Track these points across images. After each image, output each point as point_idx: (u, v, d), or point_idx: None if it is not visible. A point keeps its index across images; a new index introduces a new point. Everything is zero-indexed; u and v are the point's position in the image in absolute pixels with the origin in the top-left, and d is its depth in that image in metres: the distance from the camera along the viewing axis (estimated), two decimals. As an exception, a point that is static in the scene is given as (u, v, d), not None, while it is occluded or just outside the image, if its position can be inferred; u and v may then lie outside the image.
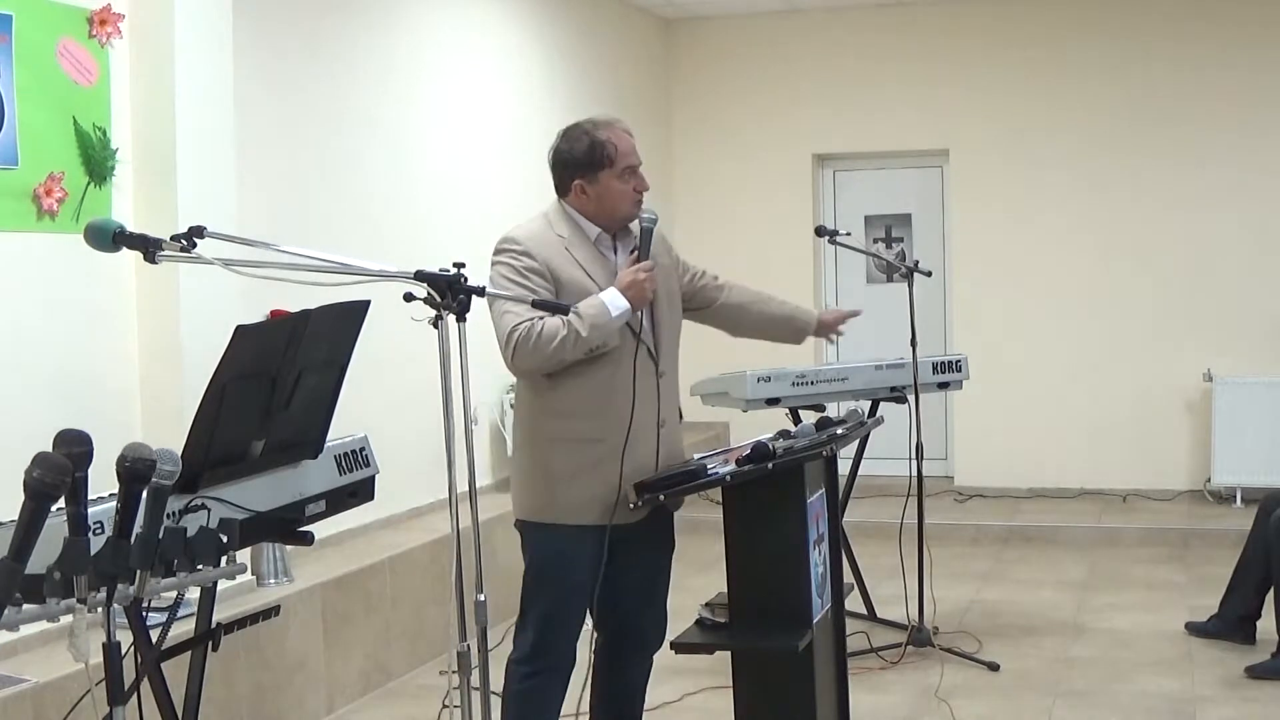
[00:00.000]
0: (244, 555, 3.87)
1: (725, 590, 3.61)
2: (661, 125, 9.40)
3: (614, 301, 3.52)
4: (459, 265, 2.95)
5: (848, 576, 5.08)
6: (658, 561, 3.87)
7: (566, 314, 3.40)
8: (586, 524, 3.59)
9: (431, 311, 2.89)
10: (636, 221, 3.69)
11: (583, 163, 3.65)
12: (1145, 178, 8.63)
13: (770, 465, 3.45)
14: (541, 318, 3.45)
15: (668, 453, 3.73)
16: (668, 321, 3.77)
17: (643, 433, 3.63)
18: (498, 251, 3.62)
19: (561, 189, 3.72)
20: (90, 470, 2.54)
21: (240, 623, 3.27)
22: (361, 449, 3.43)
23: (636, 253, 3.64)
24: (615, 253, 3.73)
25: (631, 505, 3.55)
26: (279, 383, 3.02)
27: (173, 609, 2.97)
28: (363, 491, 3.42)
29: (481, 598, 2.96)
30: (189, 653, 3.11)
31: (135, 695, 2.89)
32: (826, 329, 4.28)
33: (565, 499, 3.60)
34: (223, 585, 3.37)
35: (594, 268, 3.64)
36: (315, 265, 2.94)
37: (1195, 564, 7.15)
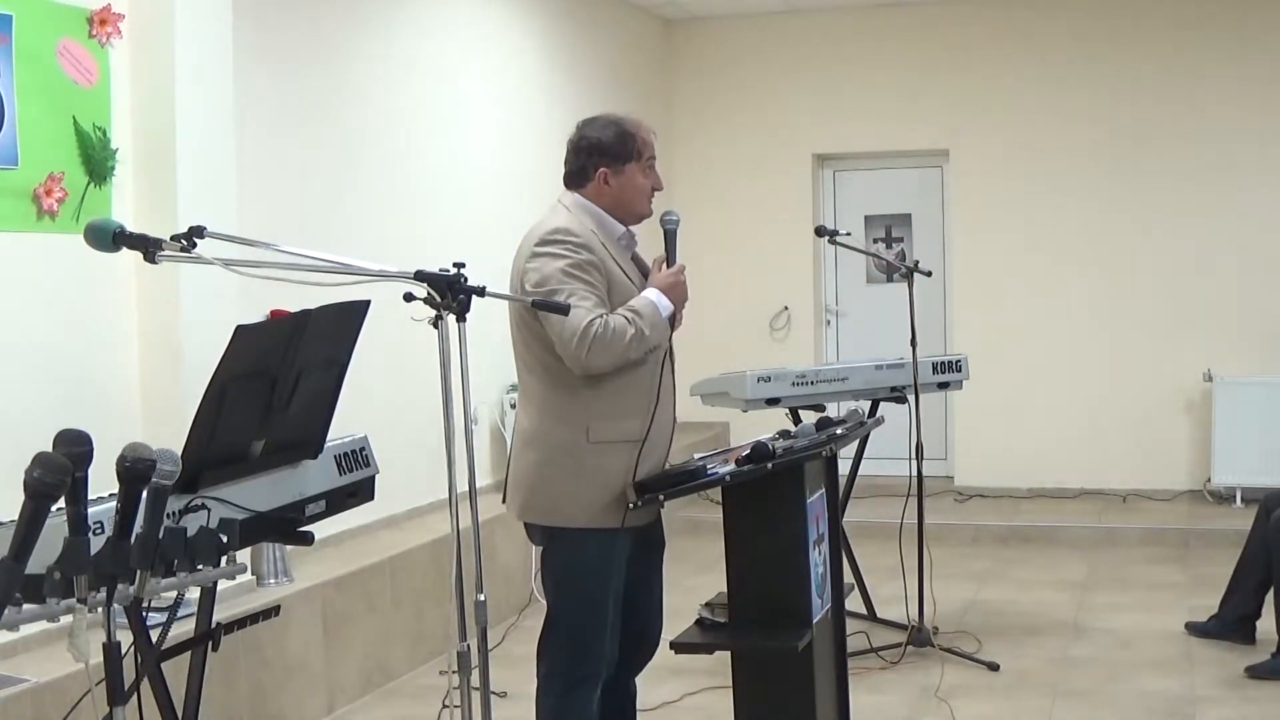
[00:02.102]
0: (244, 555, 3.88)
1: (725, 590, 3.61)
2: (661, 125, 9.36)
3: (662, 302, 3.50)
4: (459, 265, 2.94)
5: (848, 576, 5.08)
6: (655, 556, 3.87)
7: (566, 314, 3.32)
8: (620, 525, 3.52)
9: (431, 311, 2.88)
10: (656, 223, 3.66)
11: (611, 151, 3.55)
12: (1145, 177, 8.62)
13: (770, 465, 3.44)
14: (605, 315, 3.39)
15: (671, 451, 3.75)
16: None
17: (666, 432, 3.65)
18: (550, 243, 3.44)
19: (579, 178, 3.59)
20: (90, 470, 2.54)
21: (240, 623, 3.27)
22: (361, 449, 3.43)
23: (665, 257, 3.60)
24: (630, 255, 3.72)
25: (630, 505, 3.54)
26: (279, 383, 3.02)
27: (173, 609, 2.97)
28: (363, 491, 3.42)
29: (481, 598, 2.96)
30: (189, 653, 3.11)
31: (135, 695, 2.89)
32: None
33: (612, 501, 3.50)
34: (223, 585, 3.36)
35: (628, 267, 3.60)
36: (315, 265, 2.94)
37: (1195, 564, 7.15)
